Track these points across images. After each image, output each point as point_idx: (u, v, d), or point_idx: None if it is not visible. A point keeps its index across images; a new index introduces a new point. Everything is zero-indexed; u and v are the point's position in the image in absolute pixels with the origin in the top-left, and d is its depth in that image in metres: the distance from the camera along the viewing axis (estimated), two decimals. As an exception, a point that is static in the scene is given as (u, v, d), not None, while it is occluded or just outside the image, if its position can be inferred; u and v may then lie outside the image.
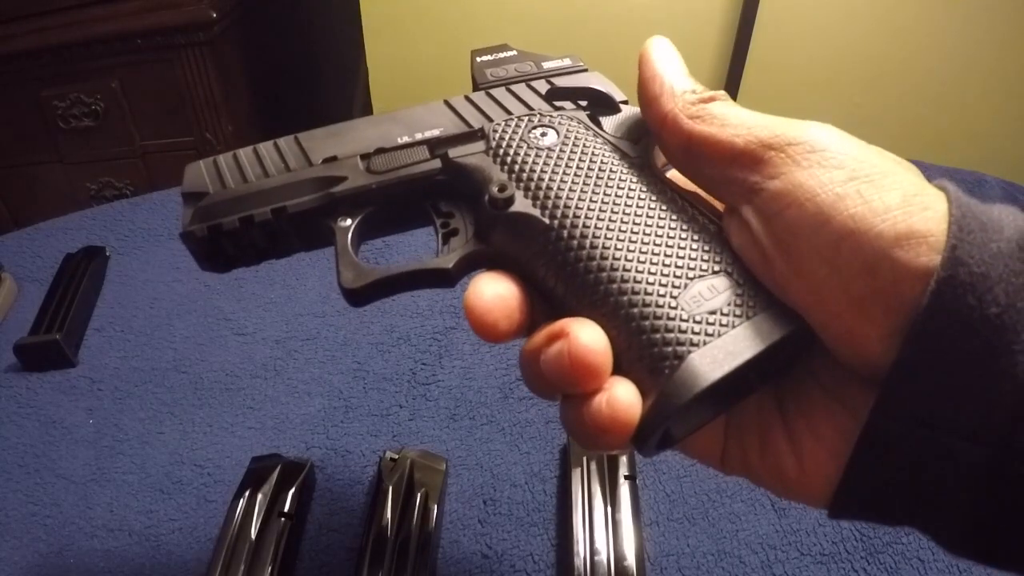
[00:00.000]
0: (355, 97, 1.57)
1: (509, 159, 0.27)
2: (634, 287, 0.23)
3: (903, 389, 0.19)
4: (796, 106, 1.23)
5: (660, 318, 0.22)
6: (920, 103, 1.22)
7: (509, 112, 0.30)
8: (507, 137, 0.28)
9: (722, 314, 0.22)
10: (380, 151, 0.30)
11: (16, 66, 1.20)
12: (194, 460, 0.48)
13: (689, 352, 0.21)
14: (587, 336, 0.22)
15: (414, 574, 0.37)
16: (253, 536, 0.39)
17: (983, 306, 0.18)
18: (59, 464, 0.48)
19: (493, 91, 0.31)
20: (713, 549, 0.41)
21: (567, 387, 0.22)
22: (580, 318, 0.23)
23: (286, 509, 0.41)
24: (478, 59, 0.34)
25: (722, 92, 0.25)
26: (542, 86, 0.31)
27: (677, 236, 0.24)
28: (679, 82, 0.25)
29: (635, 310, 0.22)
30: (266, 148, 0.30)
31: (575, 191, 0.25)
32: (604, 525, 0.39)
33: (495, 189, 0.26)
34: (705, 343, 0.22)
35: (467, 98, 0.31)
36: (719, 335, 0.22)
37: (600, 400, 0.22)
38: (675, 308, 0.22)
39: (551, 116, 0.29)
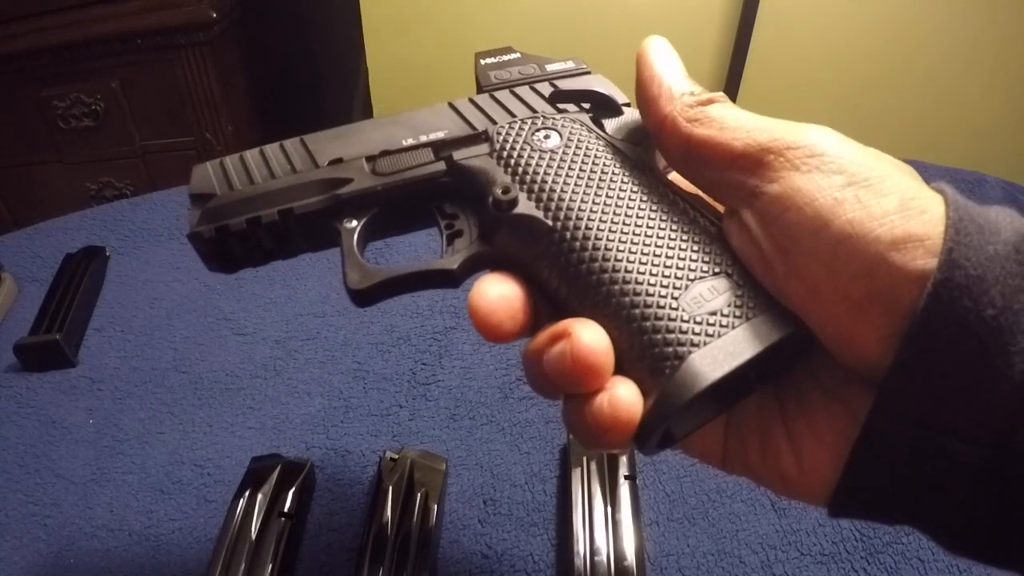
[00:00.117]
0: (355, 97, 1.57)
1: (513, 161, 0.28)
2: (635, 288, 0.23)
3: (901, 391, 0.20)
4: (796, 105, 1.23)
5: (661, 319, 0.22)
6: (920, 102, 1.22)
7: (512, 115, 0.30)
8: (511, 140, 0.28)
9: (722, 315, 0.22)
10: (385, 153, 0.30)
11: (16, 66, 1.20)
12: (194, 460, 0.48)
13: (690, 352, 0.22)
14: (589, 336, 0.22)
15: (414, 574, 0.37)
16: (253, 536, 0.39)
17: (979, 308, 0.18)
18: (59, 464, 0.48)
19: (497, 93, 0.31)
20: (713, 549, 0.41)
21: (569, 387, 0.23)
22: (582, 319, 0.23)
23: (286, 509, 0.41)
24: (482, 61, 0.34)
25: (720, 94, 0.25)
26: (545, 88, 0.31)
27: (678, 238, 0.24)
28: (677, 83, 0.25)
29: (636, 311, 0.23)
30: (272, 150, 0.31)
31: (578, 193, 0.26)
32: (604, 525, 0.39)
33: (499, 191, 0.26)
34: (705, 344, 0.22)
35: (471, 100, 0.31)
36: (719, 336, 0.22)
37: (602, 399, 0.22)
38: (676, 309, 0.22)
39: (554, 119, 0.29)
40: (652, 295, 0.23)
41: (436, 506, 0.41)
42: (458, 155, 0.29)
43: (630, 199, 0.25)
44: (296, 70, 1.62)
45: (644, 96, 0.26)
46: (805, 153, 0.21)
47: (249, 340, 0.56)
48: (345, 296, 0.28)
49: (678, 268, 0.23)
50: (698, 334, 0.22)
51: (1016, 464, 0.19)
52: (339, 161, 0.30)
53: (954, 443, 0.19)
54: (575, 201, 0.25)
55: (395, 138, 0.30)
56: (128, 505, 0.45)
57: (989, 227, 0.19)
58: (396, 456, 0.43)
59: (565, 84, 0.32)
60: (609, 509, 0.40)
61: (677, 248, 0.24)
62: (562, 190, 0.26)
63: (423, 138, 0.30)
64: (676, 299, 0.23)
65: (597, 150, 0.27)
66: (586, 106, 0.31)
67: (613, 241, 0.24)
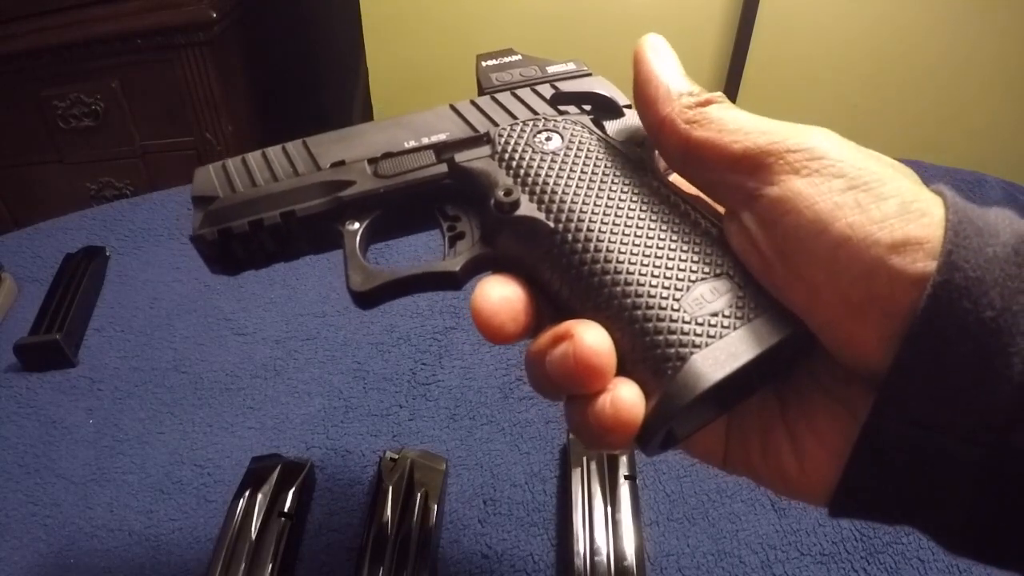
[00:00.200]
0: (355, 97, 1.57)
1: (515, 163, 0.28)
2: (637, 290, 0.23)
3: (900, 392, 0.20)
4: (796, 105, 1.23)
5: (663, 320, 0.22)
6: (920, 102, 1.22)
7: (514, 117, 0.30)
8: (512, 141, 0.28)
9: (724, 316, 0.22)
10: (387, 155, 0.30)
11: (16, 66, 1.20)
12: (194, 460, 0.48)
13: (692, 353, 0.22)
14: (591, 338, 0.22)
15: (414, 574, 0.37)
16: (253, 536, 0.39)
17: (979, 310, 0.18)
18: (59, 464, 0.48)
19: (498, 96, 0.32)
20: (713, 549, 0.41)
21: (572, 388, 0.23)
22: (584, 320, 0.23)
23: (286, 509, 0.41)
24: (483, 63, 0.34)
25: (719, 94, 0.25)
26: (547, 90, 0.32)
27: (679, 239, 0.24)
28: (676, 84, 0.25)
29: (638, 312, 0.23)
30: (275, 152, 0.31)
31: (579, 195, 0.26)
32: (604, 525, 0.39)
33: (501, 193, 0.26)
34: (707, 344, 0.22)
35: (473, 103, 0.31)
36: (721, 337, 0.22)
37: (604, 400, 0.22)
38: (677, 310, 0.22)
39: (556, 120, 0.29)
40: (654, 296, 0.23)
41: (436, 506, 0.41)
42: (460, 157, 0.29)
43: (631, 201, 0.25)
44: (296, 70, 1.62)
45: (642, 97, 0.26)
46: (805, 156, 0.21)
47: (249, 340, 0.56)
48: (345, 296, 0.28)
49: (679, 269, 0.23)
50: (700, 335, 0.22)
51: (1015, 463, 0.19)
52: (341, 163, 0.30)
53: (953, 443, 0.19)
54: (577, 203, 0.25)
55: (397, 140, 0.30)
56: (128, 505, 0.45)
57: (988, 229, 0.19)
58: (396, 456, 0.43)
59: (566, 86, 0.32)
60: (609, 509, 0.40)
61: (678, 250, 0.24)
62: (564, 192, 0.26)
63: (425, 140, 0.30)
64: (678, 300, 0.23)
65: (598, 152, 0.27)
66: (587, 108, 0.31)
67: (615, 243, 0.24)
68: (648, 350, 0.22)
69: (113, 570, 0.42)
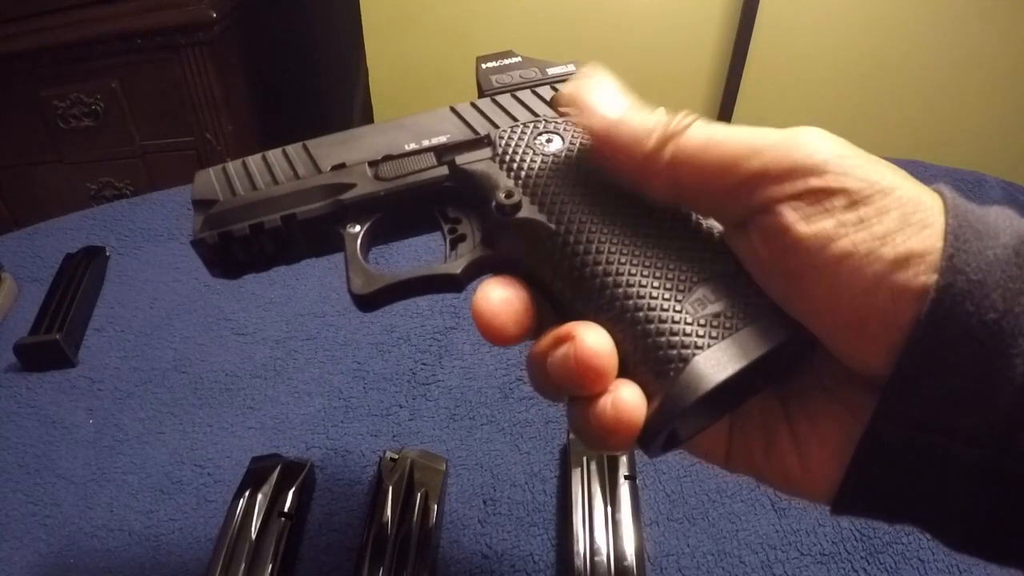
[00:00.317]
0: (355, 97, 1.57)
1: (515, 165, 0.28)
2: (639, 291, 0.23)
3: (903, 396, 0.20)
4: (796, 105, 1.23)
5: (665, 322, 0.22)
6: (920, 102, 1.22)
7: (515, 119, 0.30)
8: (513, 143, 0.28)
9: (726, 317, 0.22)
10: (388, 158, 0.30)
11: (16, 66, 1.20)
12: (194, 460, 0.48)
13: (694, 355, 0.22)
14: (592, 339, 0.22)
15: (414, 574, 0.37)
16: (253, 536, 0.39)
17: (981, 312, 0.18)
18: (59, 464, 0.48)
19: (498, 98, 0.32)
20: (713, 549, 0.41)
21: (573, 389, 0.23)
22: (586, 322, 0.23)
23: (286, 509, 0.41)
24: (483, 65, 0.34)
25: (686, 117, 0.23)
26: (547, 92, 0.32)
27: (680, 240, 0.24)
28: (636, 123, 0.24)
29: (640, 314, 0.23)
30: (275, 155, 0.31)
31: (580, 196, 0.26)
32: (604, 525, 0.39)
33: (502, 195, 0.26)
34: (709, 346, 0.22)
35: (473, 105, 0.31)
36: (723, 338, 0.22)
37: (605, 402, 0.22)
38: (679, 312, 0.22)
39: (556, 122, 0.29)
40: (656, 298, 0.23)
41: (436, 506, 0.41)
42: (461, 159, 0.29)
43: (632, 202, 0.25)
44: (296, 70, 1.62)
45: (602, 151, 0.24)
46: (801, 174, 0.21)
47: (249, 340, 0.56)
48: (345, 296, 0.28)
49: (681, 271, 0.23)
50: (702, 336, 0.22)
51: (1017, 464, 0.19)
52: (342, 166, 0.30)
53: (956, 445, 0.19)
54: (578, 204, 0.25)
55: (397, 143, 0.30)
56: (128, 505, 0.45)
57: (988, 232, 0.19)
58: (396, 456, 0.43)
59: None
60: (609, 509, 0.40)
61: (680, 251, 0.24)
62: (565, 194, 0.26)
63: (425, 143, 0.30)
64: (679, 302, 0.23)
65: None
66: None
67: (616, 244, 0.24)
68: (650, 352, 0.22)
69: (113, 570, 0.42)
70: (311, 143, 0.31)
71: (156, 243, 0.67)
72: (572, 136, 0.28)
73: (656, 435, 0.22)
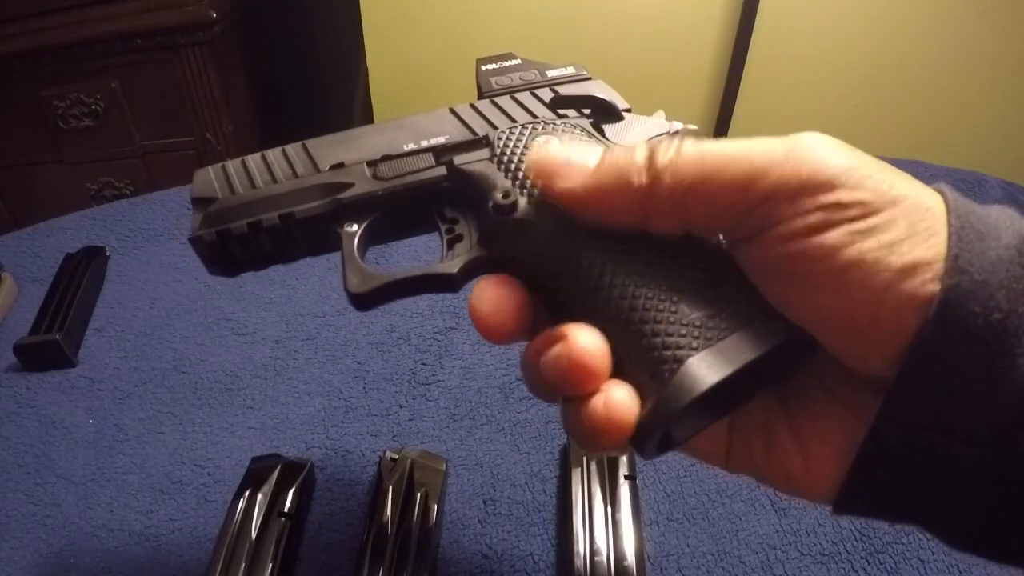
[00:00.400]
0: (355, 97, 1.57)
1: (513, 166, 0.28)
2: (634, 292, 0.23)
3: (907, 397, 0.20)
4: (796, 105, 1.23)
5: (660, 323, 0.22)
6: (920, 102, 1.22)
7: (513, 120, 0.30)
8: (511, 144, 0.28)
9: (721, 319, 0.22)
10: (386, 158, 0.30)
11: (16, 66, 1.20)
12: (194, 460, 0.48)
13: (688, 356, 0.21)
14: (585, 339, 0.22)
15: (414, 574, 0.37)
16: (253, 536, 0.39)
17: (987, 312, 0.18)
18: (59, 464, 0.48)
19: (498, 99, 0.32)
20: (713, 549, 0.41)
21: (566, 389, 0.23)
22: (580, 323, 0.23)
23: (286, 509, 0.41)
24: (483, 67, 0.34)
25: (671, 141, 0.22)
26: (546, 94, 0.32)
27: (677, 242, 0.24)
28: (619, 162, 0.23)
29: (635, 314, 0.23)
30: (274, 155, 0.31)
31: None
32: (604, 525, 0.39)
33: (499, 195, 0.26)
34: (704, 347, 0.22)
35: (472, 106, 0.32)
36: (718, 340, 0.22)
37: (597, 401, 0.22)
38: (674, 313, 0.22)
39: (555, 124, 0.29)
40: (651, 299, 0.23)
41: (436, 506, 0.41)
42: (459, 160, 0.29)
43: None
44: (296, 70, 1.62)
45: (596, 201, 0.23)
46: (811, 192, 0.20)
47: (249, 340, 0.56)
48: (345, 296, 0.28)
49: (676, 272, 0.23)
50: (697, 338, 0.22)
51: (1018, 464, 0.19)
52: (340, 166, 0.30)
53: (958, 445, 0.19)
54: None
55: (396, 143, 0.30)
56: (128, 505, 0.45)
57: (990, 232, 0.19)
58: (396, 456, 0.43)
59: (566, 90, 0.32)
60: (609, 509, 0.40)
61: (676, 252, 0.24)
62: None
63: (424, 143, 0.30)
64: (675, 303, 0.22)
65: None
66: (586, 112, 0.31)
67: (611, 245, 0.24)
68: (644, 353, 0.22)
69: (113, 570, 0.42)
70: (310, 143, 0.31)
71: (156, 243, 0.67)
72: (570, 138, 0.28)
73: (650, 436, 0.22)
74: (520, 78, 0.33)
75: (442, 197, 0.29)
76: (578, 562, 0.37)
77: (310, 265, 0.62)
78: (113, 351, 0.56)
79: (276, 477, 0.42)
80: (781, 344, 0.22)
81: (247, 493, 0.41)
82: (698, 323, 0.22)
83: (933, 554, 0.41)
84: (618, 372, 0.23)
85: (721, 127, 1.25)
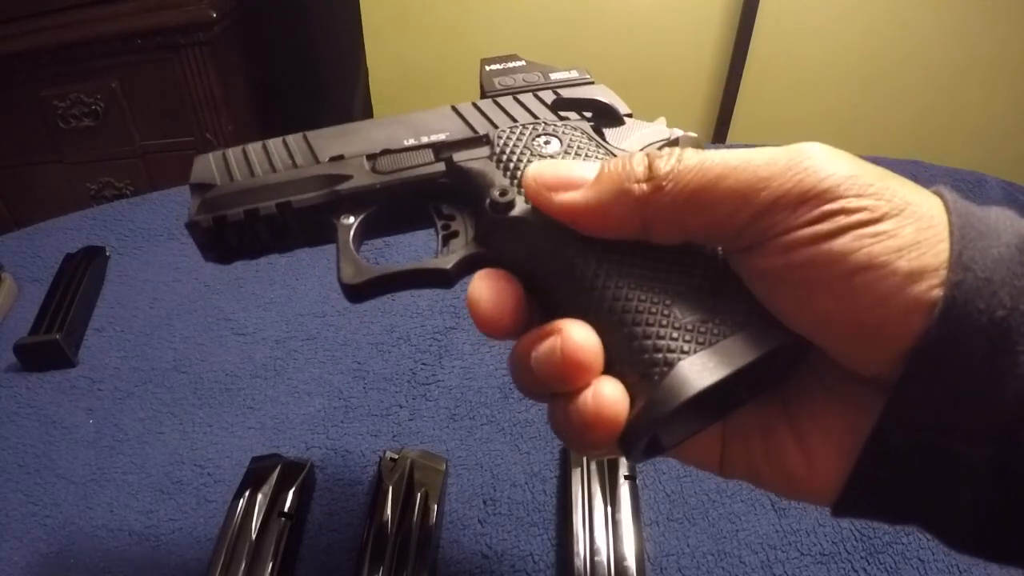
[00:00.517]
0: (355, 97, 1.57)
1: (512, 165, 0.28)
2: (627, 293, 0.23)
3: (912, 396, 0.20)
4: (796, 105, 1.23)
5: (652, 325, 0.22)
6: (920, 103, 1.22)
7: (514, 120, 0.30)
8: (511, 144, 0.29)
9: (714, 323, 0.22)
10: (386, 152, 0.30)
11: (16, 66, 1.20)
12: (194, 460, 0.48)
13: (679, 360, 0.21)
14: (579, 334, 0.22)
15: (414, 574, 0.37)
16: (253, 536, 0.39)
17: (990, 310, 0.18)
18: (59, 464, 0.48)
19: (500, 99, 0.32)
20: (713, 549, 0.41)
21: (556, 384, 0.22)
22: (574, 319, 0.23)
23: (286, 509, 0.41)
24: (487, 68, 0.34)
25: (678, 153, 0.22)
26: (548, 96, 0.32)
27: (674, 246, 0.24)
28: (616, 173, 0.23)
29: (628, 316, 0.22)
30: (274, 144, 0.31)
31: None
32: (604, 525, 0.39)
33: (496, 193, 0.27)
34: (696, 351, 0.21)
35: (474, 105, 0.32)
36: (710, 344, 0.22)
37: (586, 395, 0.22)
38: (667, 316, 0.22)
39: (555, 125, 0.29)
40: (644, 300, 0.22)
41: (436, 506, 0.41)
42: (458, 157, 0.29)
43: None
44: (296, 70, 1.62)
45: (595, 214, 0.23)
46: (815, 202, 0.20)
47: (249, 340, 0.56)
48: (339, 288, 0.28)
49: (671, 274, 0.23)
50: (689, 341, 0.22)
51: (1021, 461, 0.19)
52: (340, 158, 0.30)
53: (961, 443, 0.19)
54: None
55: (397, 138, 0.30)
56: (128, 505, 0.45)
57: (990, 231, 0.20)
58: (396, 456, 0.43)
59: (568, 93, 0.32)
60: (609, 509, 0.40)
61: (671, 254, 0.23)
62: None
63: (424, 139, 0.30)
64: (668, 306, 0.22)
65: (596, 157, 0.27)
66: (588, 114, 0.31)
67: (607, 245, 0.24)
68: (636, 355, 0.22)
69: (113, 570, 0.42)
70: (311, 134, 0.31)
71: (156, 243, 0.67)
72: (571, 140, 0.28)
73: (637, 439, 0.22)
74: (523, 79, 0.33)
75: (440, 193, 0.30)
76: (578, 562, 0.37)
77: (310, 265, 0.62)
78: (113, 351, 0.56)
79: (276, 477, 0.42)
80: (774, 349, 0.22)
81: (247, 493, 0.41)
82: (691, 327, 0.22)
83: (933, 554, 0.41)
84: (608, 371, 0.23)
85: (721, 128, 1.25)
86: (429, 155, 0.30)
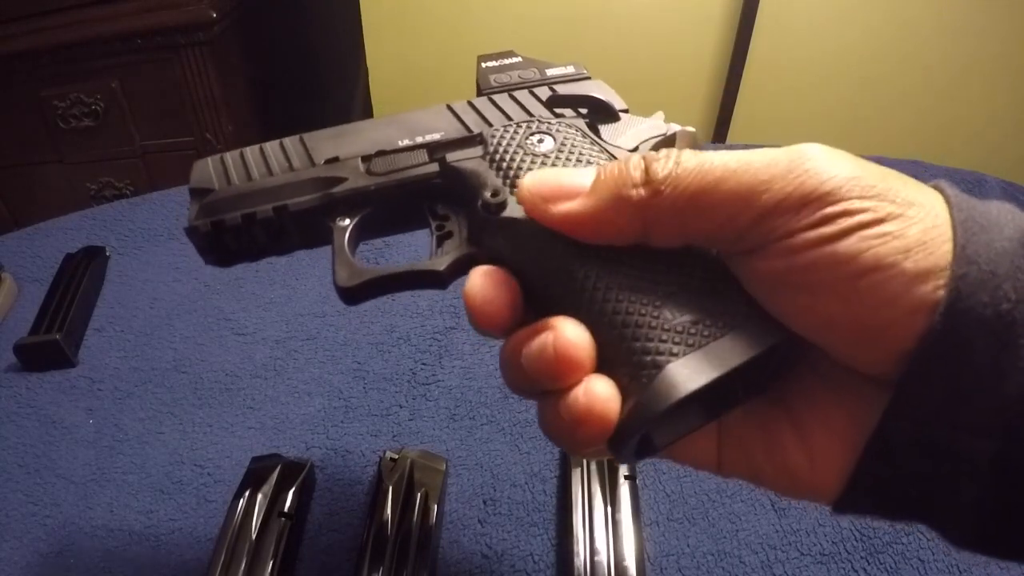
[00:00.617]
0: (355, 97, 1.57)
1: (505, 164, 0.28)
2: (618, 294, 0.23)
3: (917, 392, 0.20)
4: (796, 105, 1.23)
5: (641, 327, 0.22)
6: (920, 103, 1.22)
7: (509, 118, 0.30)
8: (504, 142, 0.28)
9: (706, 325, 0.22)
10: (380, 153, 0.30)
11: (16, 66, 1.20)
12: (194, 460, 0.48)
13: (668, 362, 0.21)
14: (571, 331, 0.22)
15: (414, 574, 0.37)
16: (253, 536, 0.39)
17: (995, 303, 0.18)
18: (59, 464, 0.48)
19: (495, 97, 0.32)
20: (713, 549, 0.41)
21: (548, 380, 0.22)
22: (566, 317, 0.23)
23: (286, 509, 0.41)
24: (483, 64, 0.34)
25: (676, 155, 0.22)
26: (544, 93, 0.32)
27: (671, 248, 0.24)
28: (612, 178, 0.22)
29: (618, 317, 0.22)
30: (272, 147, 0.31)
31: None
32: (604, 525, 0.39)
33: (488, 194, 0.26)
34: (685, 354, 0.21)
35: (470, 103, 0.32)
36: (700, 346, 0.21)
37: (578, 391, 0.22)
38: (656, 317, 0.22)
39: (550, 123, 0.29)
40: (634, 302, 0.22)
41: (436, 506, 0.41)
42: (451, 157, 0.29)
43: None
44: (296, 70, 1.62)
45: (595, 222, 0.23)
46: (817, 204, 0.20)
47: (249, 340, 0.56)
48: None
49: (663, 275, 0.23)
50: (678, 344, 0.21)
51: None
52: (335, 160, 0.30)
53: (966, 438, 0.19)
54: None
55: (391, 138, 0.30)
56: (128, 505, 0.45)
57: (992, 225, 0.20)
58: (396, 456, 0.43)
59: (564, 89, 0.32)
60: (609, 509, 0.40)
61: (665, 256, 0.23)
62: None
63: (419, 139, 0.30)
64: (658, 307, 0.22)
65: (590, 155, 0.27)
66: (583, 111, 0.31)
67: (600, 247, 0.24)
68: (626, 356, 0.22)
69: (113, 570, 0.42)
70: (307, 136, 0.31)
71: (156, 243, 0.67)
72: (564, 137, 0.28)
73: (626, 440, 0.22)
74: (519, 76, 0.33)
75: (434, 194, 0.30)
76: (578, 562, 0.37)
77: (310, 265, 0.62)
78: (113, 351, 0.56)
79: (276, 477, 0.42)
80: (767, 350, 0.22)
81: (247, 493, 0.41)
82: (680, 328, 0.22)
83: (933, 554, 0.41)
84: (599, 371, 0.23)
85: (721, 128, 1.25)
86: (423, 155, 0.30)
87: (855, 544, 0.41)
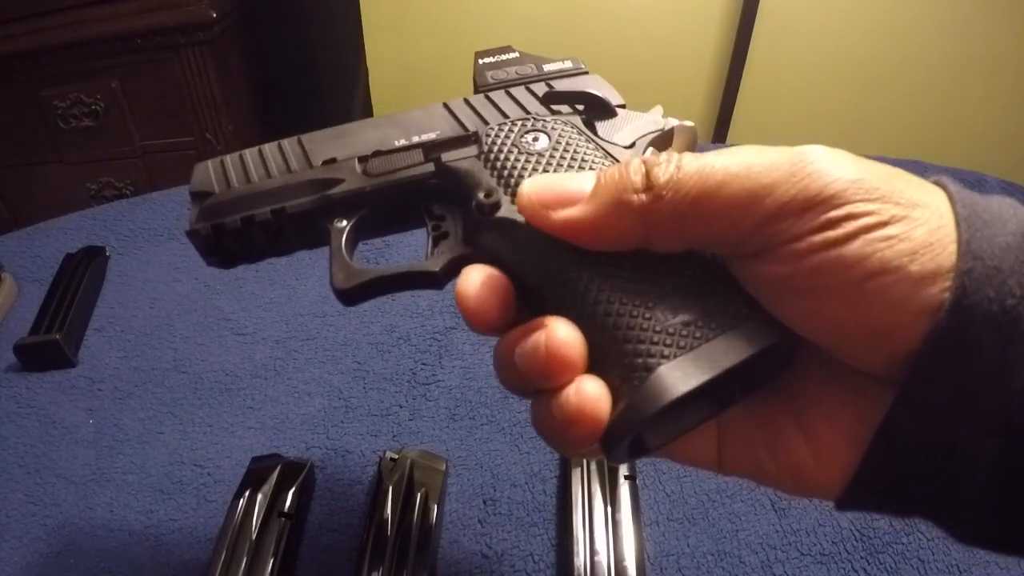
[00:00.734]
0: (355, 97, 1.57)
1: (499, 164, 0.27)
2: (610, 295, 0.22)
3: (923, 389, 0.19)
4: (796, 105, 1.23)
5: (633, 328, 0.22)
6: (920, 103, 1.22)
7: (505, 115, 0.30)
8: (499, 141, 0.28)
9: (697, 327, 0.21)
10: (377, 154, 0.30)
11: (16, 66, 1.20)
12: (194, 460, 0.48)
13: (659, 364, 0.21)
14: (564, 331, 0.22)
15: (414, 574, 0.37)
16: (253, 536, 0.39)
17: (1000, 298, 0.18)
18: (59, 464, 0.48)
19: (491, 94, 0.31)
20: (713, 549, 0.41)
21: (540, 379, 0.22)
22: (559, 316, 0.23)
23: (286, 509, 0.41)
24: (480, 61, 0.34)
25: (676, 159, 0.22)
26: (541, 89, 0.31)
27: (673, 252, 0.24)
28: (618, 186, 0.22)
29: (610, 319, 0.22)
30: (270, 149, 0.31)
31: None
32: (604, 525, 0.39)
33: (482, 194, 0.26)
34: (677, 355, 0.21)
35: (466, 101, 0.31)
36: (691, 348, 0.21)
37: (568, 391, 0.22)
38: (648, 319, 0.22)
39: (545, 120, 0.29)
40: (626, 303, 0.22)
41: (436, 506, 0.41)
42: (447, 157, 0.29)
43: None
44: (296, 70, 1.62)
45: (596, 227, 0.22)
46: (821, 208, 0.20)
47: (249, 340, 0.56)
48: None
49: (657, 275, 0.23)
50: (669, 345, 0.21)
51: None
52: (333, 161, 0.30)
53: (971, 433, 0.19)
54: None
55: (388, 139, 0.30)
56: (128, 505, 0.45)
57: (995, 220, 0.19)
58: (396, 456, 0.43)
59: (562, 84, 0.32)
60: (609, 509, 0.40)
61: (662, 257, 0.23)
62: None
63: (415, 139, 0.30)
64: (650, 308, 0.22)
65: (585, 153, 0.27)
66: (580, 108, 0.30)
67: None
68: (618, 357, 0.22)
69: (113, 570, 0.42)
70: (305, 137, 0.31)
71: (156, 243, 0.67)
72: (559, 135, 0.28)
73: (618, 440, 0.22)
74: (516, 72, 0.33)
75: (430, 194, 0.29)
76: (578, 562, 0.37)
77: (310, 265, 0.62)
78: (113, 351, 0.56)
79: (276, 477, 0.42)
80: (762, 350, 0.21)
81: (247, 493, 0.41)
82: (673, 330, 0.21)
83: (933, 554, 0.41)
84: (593, 373, 0.22)
85: (721, 127, 1.25)
86: (419, 155, 0.30)
87: (855, 544, 0.41)
